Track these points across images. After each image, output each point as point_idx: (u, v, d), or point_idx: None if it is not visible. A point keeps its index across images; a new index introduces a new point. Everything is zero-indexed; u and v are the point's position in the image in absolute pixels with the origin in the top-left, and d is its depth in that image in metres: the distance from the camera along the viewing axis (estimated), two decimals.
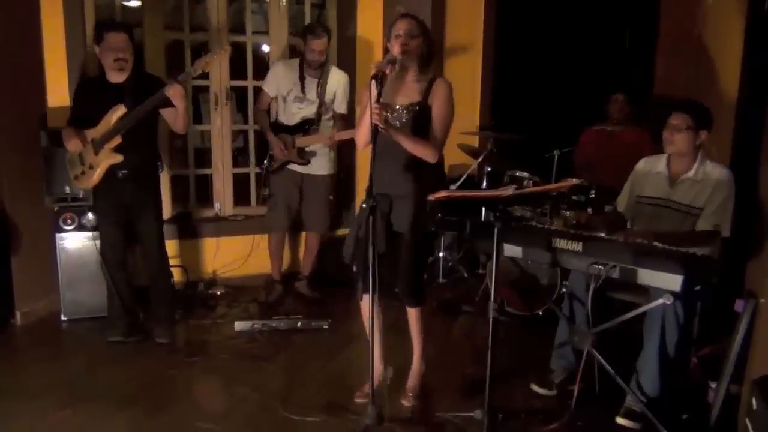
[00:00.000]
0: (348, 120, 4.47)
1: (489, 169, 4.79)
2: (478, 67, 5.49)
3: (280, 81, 4.31)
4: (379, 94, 2.69)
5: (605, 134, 4.60)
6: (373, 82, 2.65)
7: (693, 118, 3.10)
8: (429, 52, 2.93)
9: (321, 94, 4.29)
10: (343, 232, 4.94)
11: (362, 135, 2.93)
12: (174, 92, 3.49)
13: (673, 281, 2.59)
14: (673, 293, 2.64)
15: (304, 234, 4.69)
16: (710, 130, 3.16)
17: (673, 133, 3.14)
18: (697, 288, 2.80)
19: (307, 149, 4.30)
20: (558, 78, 5.38)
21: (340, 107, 4.39)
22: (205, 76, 4.28)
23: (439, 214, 2.98)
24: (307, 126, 4.28)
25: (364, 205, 2.64)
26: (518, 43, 5.49)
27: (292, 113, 4.29)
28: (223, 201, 4.86)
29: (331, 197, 4.58)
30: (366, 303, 2.88)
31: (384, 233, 2.93)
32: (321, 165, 4.37)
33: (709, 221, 3.04)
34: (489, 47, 5.49)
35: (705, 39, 4.37)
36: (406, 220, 2.93)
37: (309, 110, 4.28)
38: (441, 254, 4.93)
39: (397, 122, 2.90)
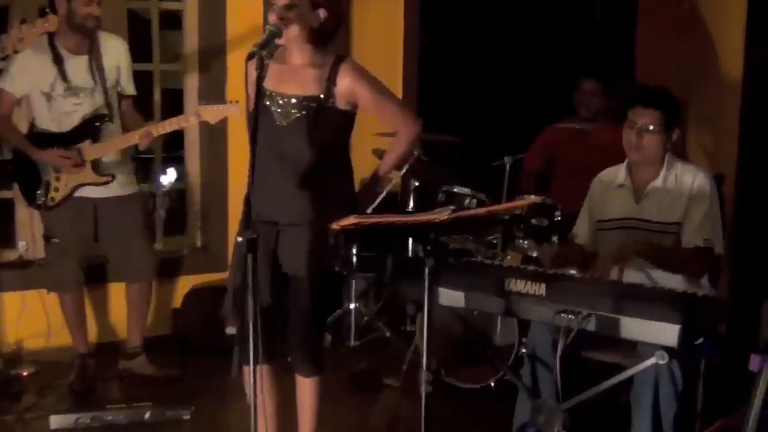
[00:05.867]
0: (138, 102, 4.40)
1: (417, 183, 4.84)
2: (399, 45, 5.56)
3: (33, 74, 4.06)
4: (260, 79, 2.71)
5: (574, 134, 4.73)
6: (248, 63, 2.69)
7: (665, 116, 3.25)
8: (327, 24, 2.97)
9: (100, 74, 4.14)
10: (212, 277, 4.88)
11: None
12: None
13: (668, 333, 2.67)
14: (668, 349, 2.72)
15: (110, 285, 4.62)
16: (680, 126, 3.34)
17: (641, 135, 3.27)
18: (700, 341, 2.91)
19: (105, 160, 4.14)
20: (509, 61, 5.51)
21: (127, 86, 4.29)
22: None
23: (351, 249, 3.01)
24: (95, 126, 4.11)
25: (239, 239, 2.63)
26: (453, 15, 5.60)
27: (65, 113, 4.09)
28: (32, 239, 4.70)
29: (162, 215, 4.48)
30: (249, 376, 2.85)
31: (269, 277, 2.95)
32: (124, 181, 4.23)
33: (697, 238, 3.19)
34: (413, 19, 5.56)
35: (699, 7, 4.57)
36: (302, 258, 2.95)
37: (90, 103, 4.12)
38: (352, 306, 4.92)
39: (283, 120, 2.96)
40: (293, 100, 2.96)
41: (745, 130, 3.97)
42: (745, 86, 3.99)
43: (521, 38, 5.52)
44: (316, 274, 2.98)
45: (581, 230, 3.56)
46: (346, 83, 2.98)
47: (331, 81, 2.97)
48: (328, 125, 2.98)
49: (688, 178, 3.27)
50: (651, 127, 3.25)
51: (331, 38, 3.04)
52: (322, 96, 2.96)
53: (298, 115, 2.95)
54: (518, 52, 5.52)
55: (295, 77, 2.98)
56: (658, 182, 3.31)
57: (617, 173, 3.45)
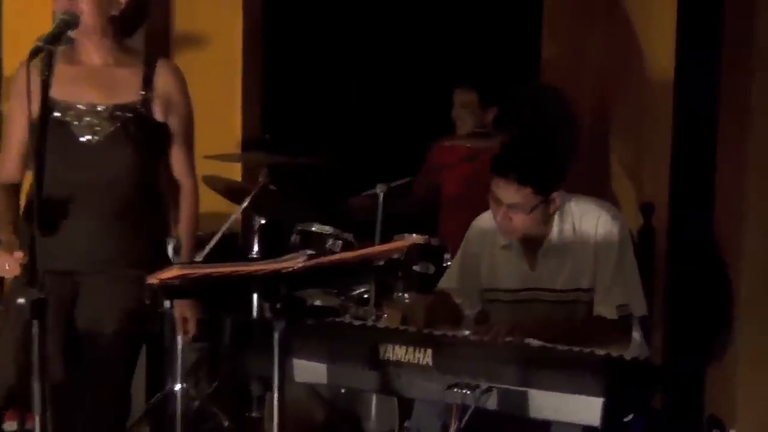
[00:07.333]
0: None
1: (262, 221, 4.83)
2: (238, 41, 5.56)
3: None
4: (46, 85, 2.66)
5: (464, 153, 4.81)
6: (30, 64, 2.61)
7: (537, 190, 3.20)
8: (128, 10, 3.01)
9: None
10: None
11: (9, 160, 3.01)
12: None
13: (588, 408, 2.70)
14: (590, 429, 2.77)
15: None
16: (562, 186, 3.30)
17: (507, 217, 3.24)
18: (629, 418, 2.97)
19: None
20: (383, 61, 5.56)
21: None
22: None
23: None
24: None
25: (20, 301, 2.55)
26: (306, 5, 5.64)
27: None
28: None
29: None
30: None
31: (63, 347, 2.94)
32: None
33: (609, 307, 3.22)
34: (254, 9, 5.58)
35: None
36: (111, 313, 2.97)
37: None
38: (178, 387, 4.83)
39: (92, 136, 2.97)
40: (101, 110, 2.98)
41: (679, 146, 4.02)
42: (677, 92, 4.04)
43: (400, 31, 5.58)
44: (128, 336, 3.01)
45: (451, 282, 3.58)
46: (165, 85, 3.05)
47: (147, 84, 3.02)
48: (148, 141, 3.02)
49: (589, 223, 3.29)
50: (519, 207, 3.21)
51: (132, 30, 3.07)
52: (138, 103, 3.00)
53: (111, 129, 2.97)
54: (396, 50, 5.57)
55: (99, 81, 3.01)
56: (552, 238, 3.31)
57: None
